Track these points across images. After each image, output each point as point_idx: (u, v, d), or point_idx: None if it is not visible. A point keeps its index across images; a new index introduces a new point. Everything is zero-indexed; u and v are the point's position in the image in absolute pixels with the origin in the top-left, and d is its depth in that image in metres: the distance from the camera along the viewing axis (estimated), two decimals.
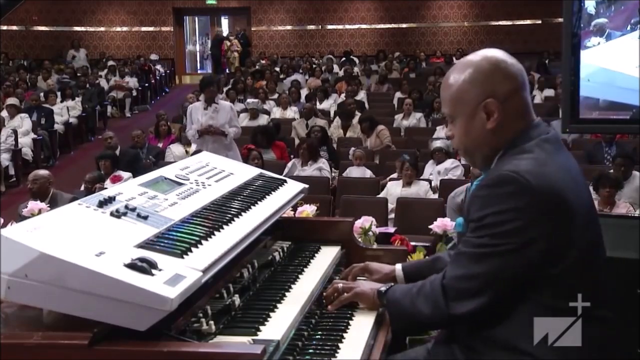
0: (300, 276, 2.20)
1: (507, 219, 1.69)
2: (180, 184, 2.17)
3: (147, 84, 17.24)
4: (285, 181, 2.61)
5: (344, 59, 17.86)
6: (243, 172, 2.55)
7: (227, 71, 18.91)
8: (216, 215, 1.99)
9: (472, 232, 1.77)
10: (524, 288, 1.72)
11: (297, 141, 9.24)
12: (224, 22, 23.39)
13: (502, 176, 1.73)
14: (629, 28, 3.05)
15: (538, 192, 1.68)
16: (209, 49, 21.05)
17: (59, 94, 13.38)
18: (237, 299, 1.90)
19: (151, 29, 20.77)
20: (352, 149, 8.29)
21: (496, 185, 1.73)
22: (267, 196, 2.35)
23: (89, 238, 1.60)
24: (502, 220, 1.69)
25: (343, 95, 12.49)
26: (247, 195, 2.28)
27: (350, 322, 1.98)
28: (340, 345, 1.82)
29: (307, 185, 2.69)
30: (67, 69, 16.99)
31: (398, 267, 2.19)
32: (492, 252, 1.71)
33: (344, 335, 1.89)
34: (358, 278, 2.25)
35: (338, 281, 2.16)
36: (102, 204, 1.80)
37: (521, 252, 1.69)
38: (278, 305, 1.93)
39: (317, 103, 12.19)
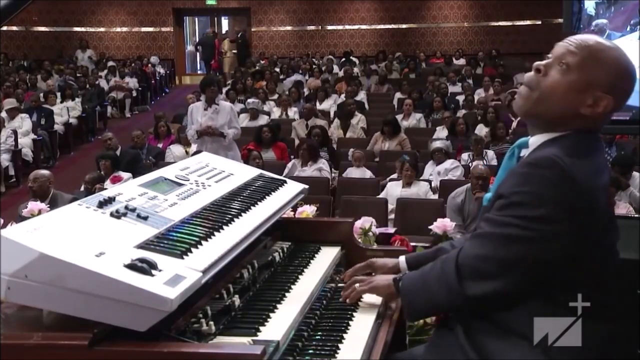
0: (300, 277, 2.20)
1: (536, 204, 1.65)
2: (180, 185, 2.16)
3: (147, 85, 17.24)
4: (285, 182, 2.61)
5: (343, 59, 17.85)
6: (243, 173, 2.55)
7: (217, 73, 18.81)
8: (216, 215, 1.99)
9: (497, 209, 1.72)
10: (536, 278, 1.70)
11: (297, 142, 9.24)
12: (224, 22, 23.39)
13: (547, 159, 1.68)
14: (628, 29, 3.05)
15: (574, 186, 1.65)
16: (196, 46, 21.06)
17: (58, 94, 13.39)
18: (237, 300, 1.89)
19: (151, 29, 20.77)
20: (352, 149, 8.29)
21: (538, 166, 1.68)
22: (267, 197, 2.35)
23: (89, 239, 1.60)
24: (532, 202, 1.66)
25: (343, 96, 12.50)
26: (247, 196, 2.28)
27: (350, 322, 1.97)
28: (340, 345, 1.82)
29: (307, 186, 2.68)
30: (67, 70, 16.98)
31: (402, 259, 2.17)
32: (515, 236, 1.67)
33: (344, 335, 1.88)
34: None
35: (356, 278, 2.13)
36: (102, 204, 1.80)
37: (543, 242, 1.65)
38: (278, 305, 1.93)
39: (317, 103, 12.19)
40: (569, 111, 1.75)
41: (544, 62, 1.80)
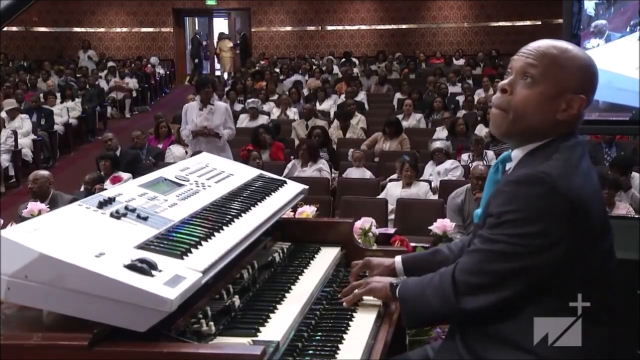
0: (300, 277, 2.20)
1: (527, 221, 1.66)
2: (180, 185, 2.17)
3: (147, 85, 17.24)
4: (285, 182, 2.61)
5: (343, 59, 17.85)
6: (243, 173, 2.55)
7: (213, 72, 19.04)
8: (216, 216, 1.99)
9: (489, 228, 1.73)
10: (533, 289, 1.71)
11: (297, 142, 9.24)
12: (224, 22, 23.39)
13: (532, 176, 1.68)
14: (628, 30, 3.06)
15: (564, 199, 1.65)
16: (191, 48, 21.46)
17: (58, 95, 13.39)
18: (237, 300, 1.90)
19: (151, 29, 20.76)
20: (351, 150, 8.29)
21: (524, 184, 1.68)
22: (267, 197, 2.35)
23: (89, 239, 1.60)
24: (523, 220, 1.66)
25: (343, 96, 12.50)
26: (247, 196, 2.28)
27: (350, 322, 1.97)
28: (340, 346, 1.82)
29: (307, 186, 2.69)
30: (67, 70, 16.98)
31: (397, 259, 2.18)
32: (507, 252, 1.69)
33: (344, 336, 1.88)
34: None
35: (354, 284, 2.14)
36: (102, 204, 1.80)
37: (537, 256, 1.67)
38: (278, 306, 1.93)
39: (317, 104, 12.19)
40: (546, 121, 1.76)
41: (506, 80, 1.80)
